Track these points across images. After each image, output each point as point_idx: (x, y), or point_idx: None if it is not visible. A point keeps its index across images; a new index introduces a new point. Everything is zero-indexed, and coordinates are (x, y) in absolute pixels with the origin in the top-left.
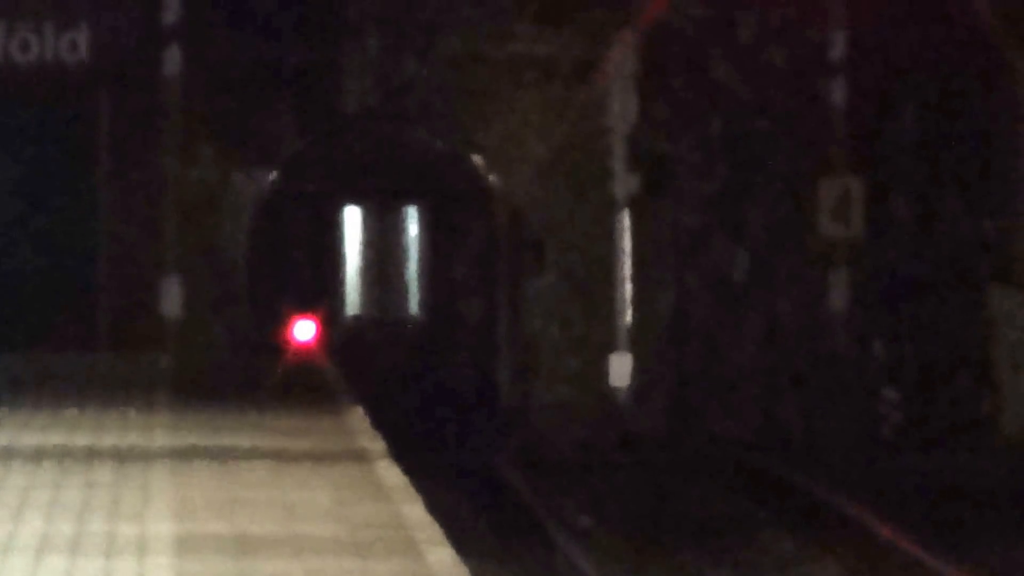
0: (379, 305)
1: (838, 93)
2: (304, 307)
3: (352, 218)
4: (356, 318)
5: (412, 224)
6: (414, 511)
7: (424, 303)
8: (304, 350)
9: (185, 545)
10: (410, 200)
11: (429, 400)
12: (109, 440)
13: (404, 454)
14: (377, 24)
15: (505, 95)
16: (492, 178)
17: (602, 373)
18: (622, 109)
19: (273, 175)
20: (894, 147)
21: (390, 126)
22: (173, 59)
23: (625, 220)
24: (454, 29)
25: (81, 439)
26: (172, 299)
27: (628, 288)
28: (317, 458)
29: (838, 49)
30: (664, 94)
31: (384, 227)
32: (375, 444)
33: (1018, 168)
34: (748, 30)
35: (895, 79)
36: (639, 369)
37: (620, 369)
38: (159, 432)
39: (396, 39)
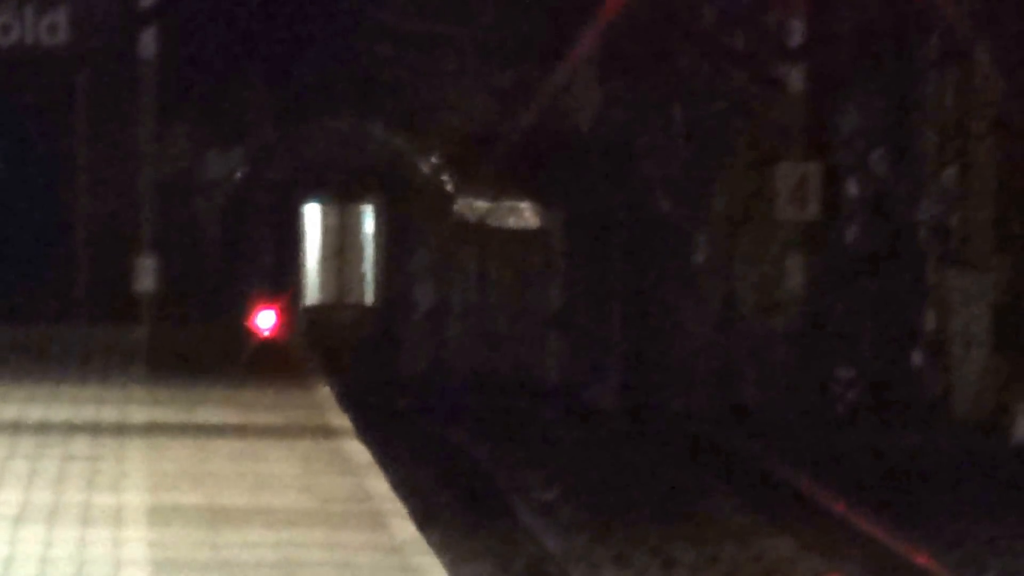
0: (339, 292)
1: (796, 79)
2: (268, 293)
3: (313, 210)
4: (318, 304)
5: (369, 218)
6: (378, 484)
7: (382, 291)
8: (267, 337)
9: (159, 515)
10: (368, 196)
11: (391, 379)
12: (85, 413)
13: (369, 429)
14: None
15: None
16: (445, 177)
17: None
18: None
19: (242, 167)
20: (850, 132)
21: (352, 120)
22: (150, 41)
23: None
24: (418, 12)
25: (58, 412)
26: (147, 275)
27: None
28: (286, 433)
29: (796, 35)
30: (626, 79)
31: (342, 220)
32: (341, 420)
33: (971, 152)
34: (709, 16)
35: (852, 64)
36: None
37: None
38: (134, 406)
39: (366, 26)
